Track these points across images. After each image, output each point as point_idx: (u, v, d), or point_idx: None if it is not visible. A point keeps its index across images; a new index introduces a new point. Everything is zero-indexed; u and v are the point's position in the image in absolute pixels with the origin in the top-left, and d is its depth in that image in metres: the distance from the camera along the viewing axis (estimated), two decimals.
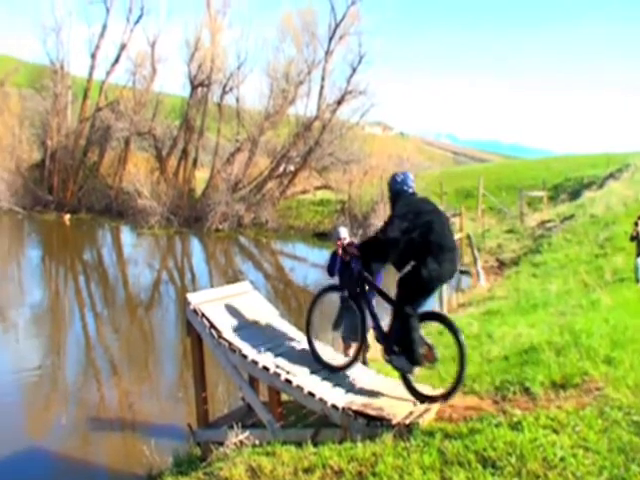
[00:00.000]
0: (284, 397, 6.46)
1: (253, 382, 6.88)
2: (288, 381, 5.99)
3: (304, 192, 35.79)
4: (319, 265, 24.88)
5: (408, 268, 5.48)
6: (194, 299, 7.01)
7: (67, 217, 33.21)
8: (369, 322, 6.04)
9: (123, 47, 36.76)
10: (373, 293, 6.19)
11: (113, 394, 11.84)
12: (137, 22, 36.63)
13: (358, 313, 6.07)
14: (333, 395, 5.86)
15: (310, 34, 35.03)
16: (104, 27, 36.54)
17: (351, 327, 8.67)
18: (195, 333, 6.96)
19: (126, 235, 32.14)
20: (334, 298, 6.79)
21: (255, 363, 6.24)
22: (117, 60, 36.93)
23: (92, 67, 37.06)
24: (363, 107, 34.94)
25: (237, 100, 36.83)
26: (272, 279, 24.05)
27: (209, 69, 35.57)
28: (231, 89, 36.77)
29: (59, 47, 36.41)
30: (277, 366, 6.20)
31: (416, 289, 5.48)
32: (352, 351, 8.77)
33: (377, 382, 6.46)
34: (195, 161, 36.76)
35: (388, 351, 5.75)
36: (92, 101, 37.21)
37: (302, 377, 6.09)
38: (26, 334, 15.26)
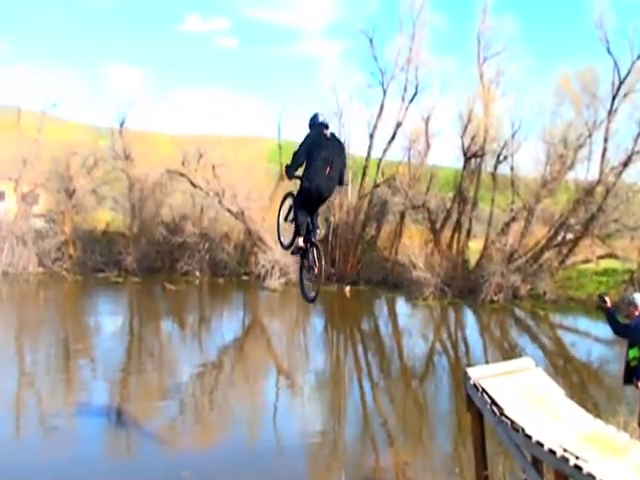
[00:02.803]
0: None
1: (537, 464, 6.42)
2: (578, 467, 5.48)
3: (586, 261, 33.48)
4: (603, 339, 22.94)
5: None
6: (474, 374, 6.84)
7: (347, 289, 35.05)
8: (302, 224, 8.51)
9: (399, 125, 38.56)
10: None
11: (389, 462, 11.92)
12: (412, 100, 38.32)
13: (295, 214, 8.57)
14: None
15: (590, 95, 33.35)
16: (381, 108, 38.80)
17: None
18: (475, 409, 6.75)
19: (401, 306, 32.91)
20: None
21: (540, 445, 5.82)
22: (393, 138, 38.78)
23: (370, 146, 39.42)
24: None
25: (512, 168, 36.18)
26: (551, 354, 22.64)
27: (482, 140, 35.62)
28: (505, 158, 36.30)
29: (341, 130, 39.41)
30: (565, 450, 5.71)
31: (300, 194, 8.35)
32: None
33: None
34: (469, 232, 36.66)
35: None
36: (370, 178, 39.38)
37: (594, 463, 5.53)
38: (310, 398, 16.21)
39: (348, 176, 8.40)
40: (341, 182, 8.54)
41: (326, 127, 8.34)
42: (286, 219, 8.79)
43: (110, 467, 10.89)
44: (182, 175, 38.44)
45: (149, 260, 38.78)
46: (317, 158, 8.09)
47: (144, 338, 24.28)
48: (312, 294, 9.12)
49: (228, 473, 10.73)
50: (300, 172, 8.26)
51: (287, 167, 8.24)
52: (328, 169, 8.16)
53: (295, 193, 8.56)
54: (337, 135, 8.58)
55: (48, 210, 40.94)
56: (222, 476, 10.64)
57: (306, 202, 8.41)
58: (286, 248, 8.96)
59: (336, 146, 8.42)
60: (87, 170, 40.15)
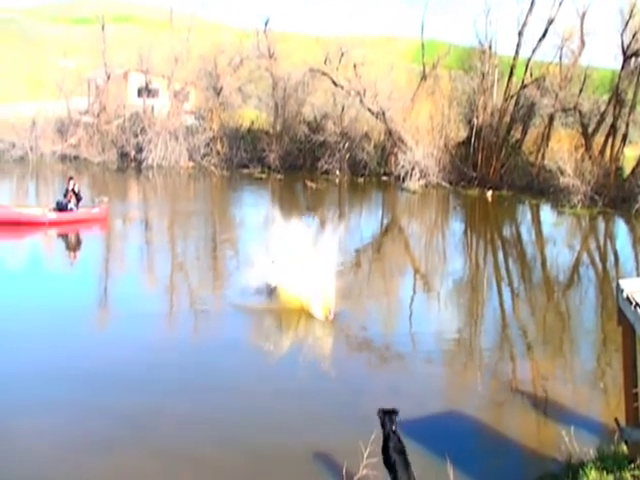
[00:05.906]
0: None
1: None
2: None
3: None
4: None
5: None
6: (628, 286, 6.52)
7: (489, 193, 34.04)
8: None
9: (550, 22, 35.70)
10: None
11: (526, 371, 11.86)
12: None
13: None
14: None
15: None
16: (532, 3, 35.97)
17: None
18: (627, 323, 6.47)
19: (546, 213, 31.69)
20: None
21: None
22: (544, 36, 36.08)
23: (518, 45, 36.88)
24: None
25: None
26: None
27: None
28: None
29: (487, 28, 37.15)
30: None
31: None
32: None
33: None
34: (625, 137, 34.03)
35: None
36: (517, 79, 37.24)
37: None
38: (447, 302, 16.26)
39: None
40: None
41: None
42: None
43: (251, 355, 11.63)
44: (324, 74, 38.29)
45: (291, 158, 39.59)
46: None
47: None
48: None
49: (363, 369, 11.16)
50: None
51: None
52: None
53: None
54: None
55: (197, 107, 42.60)
56: (357, 371, 11.08)
57: None
58: None
59: None
60: (233, 69, 40.97)
